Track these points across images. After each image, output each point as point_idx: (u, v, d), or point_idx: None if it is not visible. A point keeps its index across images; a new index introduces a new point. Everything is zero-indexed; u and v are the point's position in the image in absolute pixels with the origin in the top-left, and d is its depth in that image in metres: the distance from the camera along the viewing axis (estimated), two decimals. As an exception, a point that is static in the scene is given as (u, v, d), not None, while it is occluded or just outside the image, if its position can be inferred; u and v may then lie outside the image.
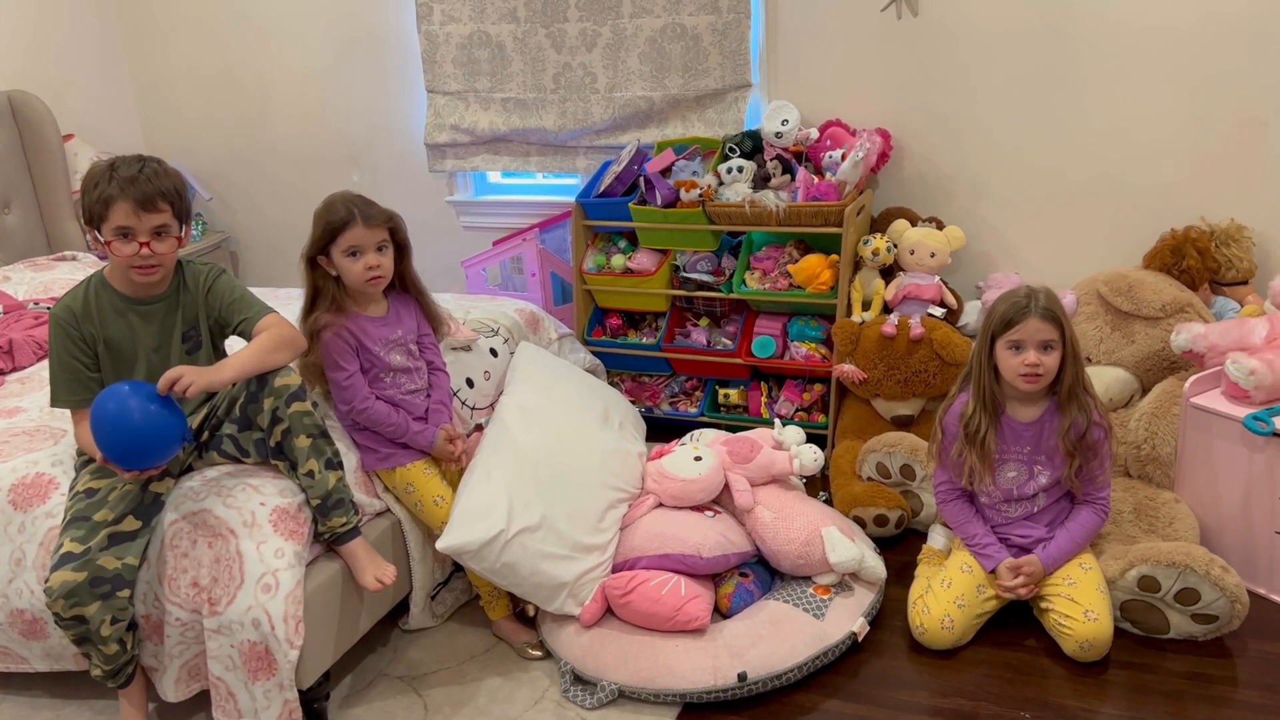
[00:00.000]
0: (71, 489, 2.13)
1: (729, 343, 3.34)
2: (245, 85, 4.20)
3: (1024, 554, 2.33)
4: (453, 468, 2.42)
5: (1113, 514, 2.43)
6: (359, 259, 2.26)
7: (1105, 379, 2.81)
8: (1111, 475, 2.41)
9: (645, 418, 3.19)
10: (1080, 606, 2.20)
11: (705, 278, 3.31)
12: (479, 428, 2.60)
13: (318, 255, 2.28)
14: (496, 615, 2.45)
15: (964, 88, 3.21)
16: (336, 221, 2.23)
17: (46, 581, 1.95)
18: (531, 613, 2.48)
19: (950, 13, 3.15)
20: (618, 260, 3.41)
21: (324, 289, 2.29)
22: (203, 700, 2.17)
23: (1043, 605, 2.29)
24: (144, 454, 1.97)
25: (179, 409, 2.00)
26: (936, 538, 2.55)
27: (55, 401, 2.13)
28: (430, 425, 2.39)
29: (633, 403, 3.32)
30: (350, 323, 2.29)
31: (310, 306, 2.30)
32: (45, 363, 2.86)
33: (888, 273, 3.18)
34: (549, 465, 2.44)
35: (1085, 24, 3.02)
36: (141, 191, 2.00)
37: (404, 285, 2.42)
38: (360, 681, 2.36)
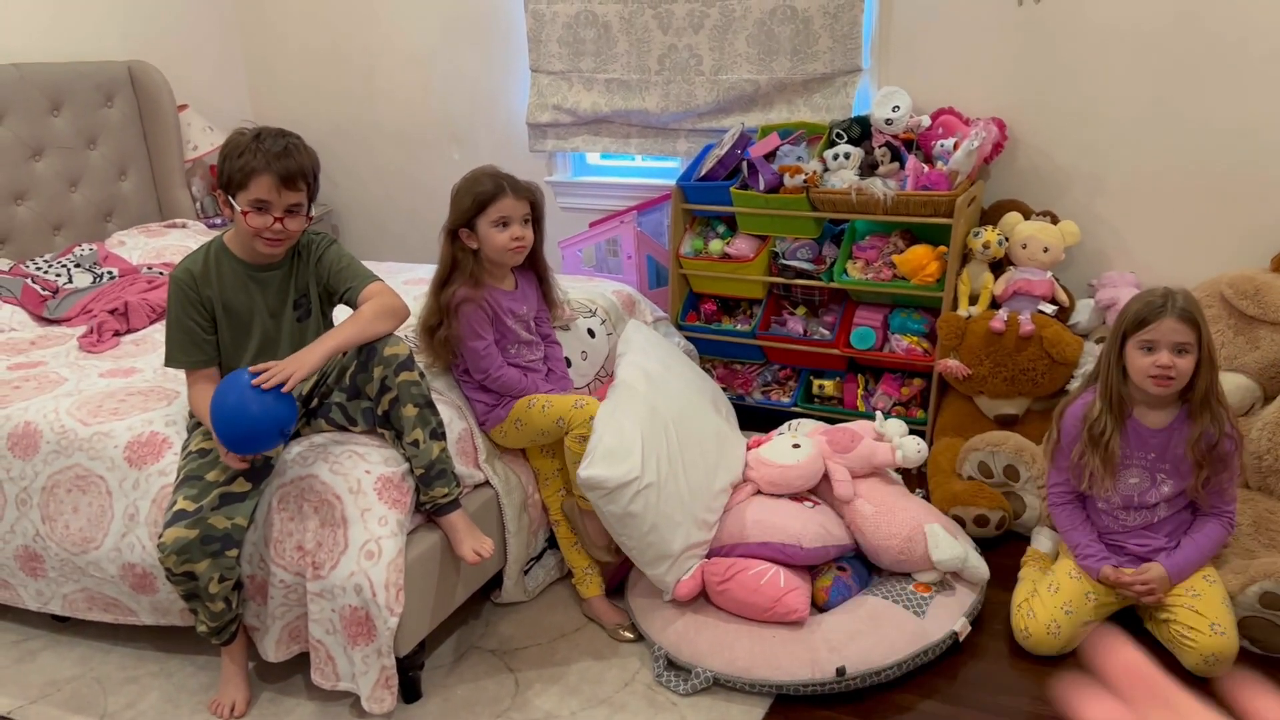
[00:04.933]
0: (184, 449, 2.17)
1: (826, 332, 3.28)
2: (353, 61, 4.26)
3: (1139, 564, 2.24)
4: None
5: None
6: (506, 229, 2.33)
7: (1226, 385, 2.66)
8: (1236, 487, 2.31)
9: (736, 405, 3.15)
10: (1206, 619, 2.11)
11: (805, 265, 3.25)
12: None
13: (460, 228, 2.34)
14: (589, 593, 2.45)
15: (1085, 79, 3.09)
16: (486, 193, 2.31)
17: (160, 537, 2.00)
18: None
19: (1074, 0, 3.04)
20: (715, 245, 3.38)
21: (462, 262, 2.35)
22: (301, 662, 2.21)
23: (1162, 616, 2.20)
24: (243, 444, 2.00)
25: (289, 401, 2.00)
26: (1042, 540, 2.47)
27: (170, 361, 2.17)
28: (556, 389, 2.47)
29: (724, 390, 3.28)
30: (487, 294, 2.35)
31: (446, 279, 2.36)
32: (158, 325, 2.95)
33: (997, 267, 3.09)
34: (675, 430, 2.42)
35: (1215, 13, 2.88)
36: (286, 168, 2.04)
37: (533, 262, 2.49)
38: (453, 653, 2.37)
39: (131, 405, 2.39)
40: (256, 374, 1.96)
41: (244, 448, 2.01)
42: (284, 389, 1.94)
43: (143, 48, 3.93)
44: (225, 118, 4.20)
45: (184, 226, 3.79)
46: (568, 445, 2.32)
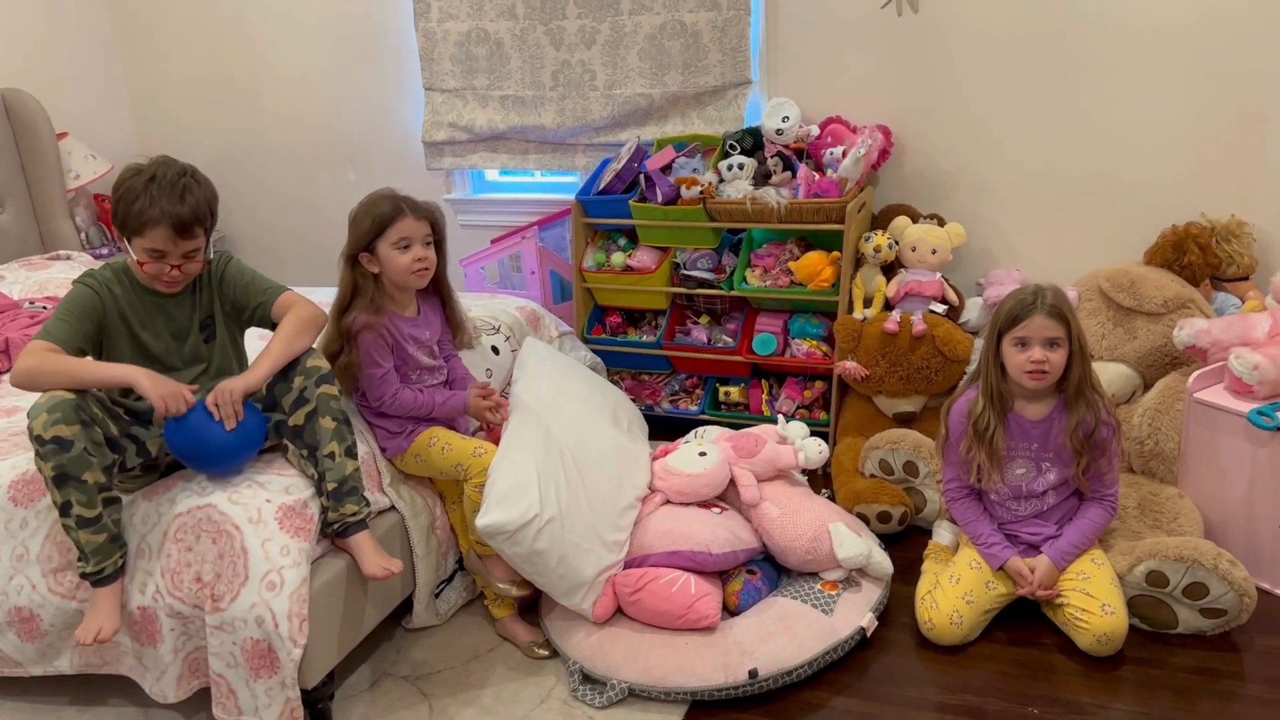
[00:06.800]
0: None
1: (730, 340, 3.33)
2: (239, 83, 4.17)
3: (1033, 551, 2.33)
4: (495, 419, 2.45)
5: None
6: (408, 251, 2.30)
7: (1107, 375, 2.81)
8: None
9: (645, 415, 3.17)
10: (1096, 600, 2.19)
11: (706, 275, 3.30)
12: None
13: (360, 253, 2.31)
14: (501, 613, 2.43)
15: (965, 84, 3.21)
16: (385, 215, 2.29)
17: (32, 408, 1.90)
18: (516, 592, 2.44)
19: (950, 10, 3.16)
20: (618, 258, 3.40)
21: (363, 288, 2.32)
22: (203, 697, 2.14)
23: (1056, 601, 2.28)
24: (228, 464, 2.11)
25: (254, 410, 2.10)
26: (943, 533, 2.55)
27: (44, 332, 2.00)
28: (458, 391, 2.46)
29: (633, 400, 3.30)
30: (388, 322, 2.33)
31: (347, 305, 2.32)
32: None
33: (889, 270, 3.18)
34: (572, 455, 2.41)
35: (1087, 21, 3.03)
36: (180, 218, 1.99)
37: (436, 286, 2.47)
38: (365, 681, 2.33)
39: (15, 445, 2.29)
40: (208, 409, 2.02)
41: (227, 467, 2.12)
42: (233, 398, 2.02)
43: (16, 75, 3.79)
44: (109, 145, 4.08)
45: (68, 258, 3.66)
46: (467, 494, 2.31)
